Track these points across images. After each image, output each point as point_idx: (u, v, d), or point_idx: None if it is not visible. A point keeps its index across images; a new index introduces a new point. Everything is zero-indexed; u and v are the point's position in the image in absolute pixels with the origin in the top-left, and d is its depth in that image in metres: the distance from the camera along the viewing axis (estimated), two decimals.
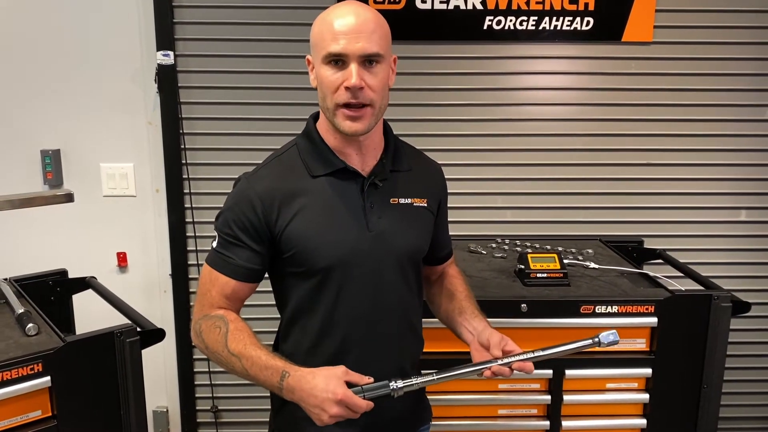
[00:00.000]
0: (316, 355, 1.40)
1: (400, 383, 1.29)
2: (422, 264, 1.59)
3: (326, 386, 1.21)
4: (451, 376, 1.35)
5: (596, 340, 1.39)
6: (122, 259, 2.80)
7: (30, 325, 1.67)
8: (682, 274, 2.32)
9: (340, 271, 1.37)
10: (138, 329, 1.76)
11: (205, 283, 1.41)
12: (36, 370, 1.57)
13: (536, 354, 1.37)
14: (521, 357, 1.36)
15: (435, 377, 1.33)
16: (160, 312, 2.83)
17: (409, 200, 1.46)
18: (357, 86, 1.29)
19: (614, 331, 1.39)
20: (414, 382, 1.31)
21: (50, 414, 1.62)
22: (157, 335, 1.80)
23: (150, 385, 2.88)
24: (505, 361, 1.36)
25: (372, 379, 1.27)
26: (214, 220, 1.43)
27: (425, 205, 1.49)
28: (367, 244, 1.38)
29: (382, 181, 1.42)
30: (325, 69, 1.31)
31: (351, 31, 1.29)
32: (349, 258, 1.37)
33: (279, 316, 1.51)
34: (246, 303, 1.45)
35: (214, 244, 1.41)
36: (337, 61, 1.30)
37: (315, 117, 1.44)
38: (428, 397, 1.94)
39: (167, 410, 2.95)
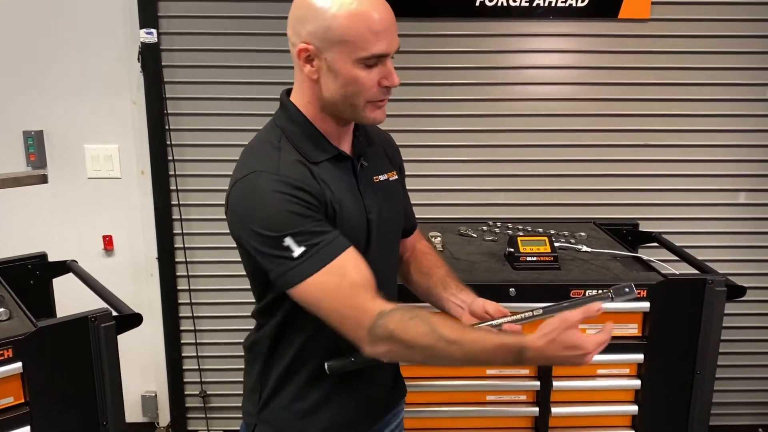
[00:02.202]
0: (313, 346, 1.34)
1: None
2: None
3: (573, 351, 1.17)
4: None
5: (608, 294, 1.29)
6: (108, 242, 2.76)
7: (1, 309, 1.62)
8: (678, 258, 2.27)
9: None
10: (115, 314, 1.72)
11: (336, 288, 1.17)
12: (6, 356, 1.52)
13: (533, 314, 1.30)
14: (513, 318, 1.31)
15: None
16: (148, 296, 2.80)
17: (385, 176, 1.42)
18: (398, 84, 1.25)
19: (630, 283, 1.29)
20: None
21: (23, 401, 1.58)
22: (134, 320, 1.76)
23: (138, 370, 2.90)
24: (494, 322, 1.31)
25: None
26: (256, 238, 1.19)
27: (396, 177, 1.45)
28: (369, 228, 1.34)
29: (365, 160, 1.38)
30: (360, 69, 1.21)
31: (389, 27, 1.21)
32: (358, 243, 1.30)
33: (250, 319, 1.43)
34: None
35: (296, 252, 1.16)
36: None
37: (288, 93, 1.36)
38: (414, 382, 1.92)
39: (156, 395, 2.92)
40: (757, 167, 2.70)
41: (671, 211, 2.73)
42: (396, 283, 1.49)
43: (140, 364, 2.86)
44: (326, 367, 1.31)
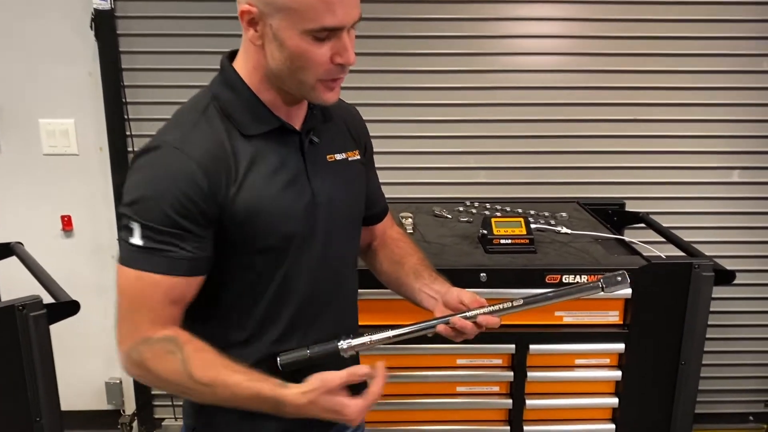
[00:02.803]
0: (251, 347, 1.20)
1: (349, 341, 1.17)
2: None
3: (335, 415, 1.10)
4: (410, 332, 1.20)
5: (599, 284, 1.19)
6: (67, 222, 2.62)
7: None
8: (665, 240, 2.13)
9: (290, 248, 1.17)
10: (53, 302, 1.59)
11: (134, 295, 1.09)
12: None
13: (513, 305, 1.19)
14: (489, 309, 1.19)
15: (390, 333, 1.18)
16: (110, 278, 2.64)
17: (343, 155, 1.27)
18: (354, 63, 1.10)
19: (623, 271, 1.18)
20: (366, 341, 1.17)
21: None
22: (70, 308, 1.62)
23: (102, 356, 2.78)
24: (469, 314, 1.19)
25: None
26: (121, 206, 1.10)
27: (357, 157, 1.30)
28: (316, 214, 1.19)
29: (317, 136, 1.22)
30: (308, 42, 1.06)
31: None
32: (300, 232, 1.17)
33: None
34: None
35: (135, 239, 1.06)
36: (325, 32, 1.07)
37: (231, 57, 1.20)
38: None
39: (120, 381, 2.80)
40: (753, 143, 2.55)
41: (660, 190, 2.59)
42: (354, 274, 1.34)
43: (104, 350, 2.74)
44: (278, 361, 1.17)
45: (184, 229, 1.08)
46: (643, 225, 2.31)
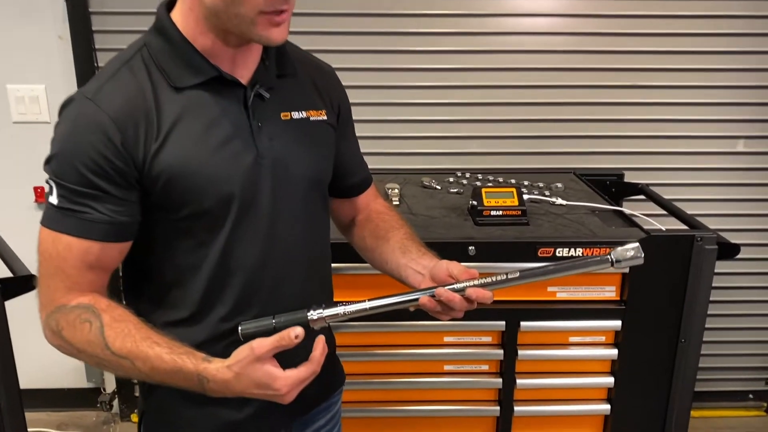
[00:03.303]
0: (198, 325, 1.09)
1: (320, 311, 1.05)
2: (332, 198, 1.30)
3: (264, 390, 0.99)
4: (388, 305, 1.07)
5: (608, 258, 1.06)
6: (40, 194, 2.50)
7: None
8: (666, 213, 2.02)
9: (229, 213, 1.06)
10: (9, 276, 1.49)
11: (50, 258, 1.02)
12: None
13: (507, 278, 1.07)
14: (480, 282, 1.06)
15: (367, 305, 1.06)
16: None
17: (303, 113, 1.14)
18: None
19: (636, 244, 1.06)
20: (339, 311, 1.05)
21: None
22: (26, 283, 1.51)
23: None
24: (457, 286, 1.06)
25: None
26: (43, 164, 1.02)
27: (324, 117, 1.17)
28: (260, 176, 1.07)
29: (268, 90, 1.10)
30: None
31: None
32: (239, 195, 1.05)
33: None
34: None
35: (53, 198, 1.00)
36: None
37: (168, 6, 1.08)
38: (360, 351, 1.70)
39: None
40: (759, 111, 2.44)
41: (661, 160, 2.47)
42: (323, 248, 1.23)
43: None
44: (239, 331, 1.06)
45: (99, 189, 0.99)
46: (642, 197, 2.20)
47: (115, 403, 2.71)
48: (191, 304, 1.08)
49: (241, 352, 0.98)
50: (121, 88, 1.00)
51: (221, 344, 1.08)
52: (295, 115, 1.13)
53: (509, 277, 1.07)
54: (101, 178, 0.98)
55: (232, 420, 1.13)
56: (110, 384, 2.72)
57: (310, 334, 1.03)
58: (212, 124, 1.03)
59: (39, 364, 2.57)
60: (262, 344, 0.98)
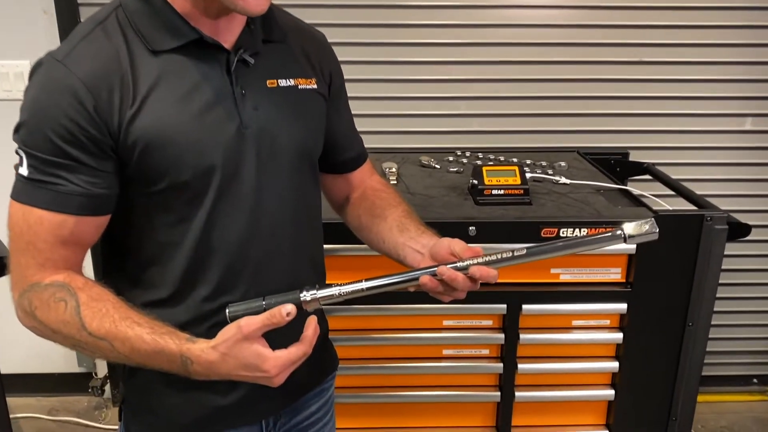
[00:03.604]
0: (180, 305, 1.03)
1: (314, 292, 0.98)
2: (324, 174, 1.24)
3: (252, 372, 0.92)
4: (387, 285, 1.00)
5: (620, 233, 0.99)
6: None
7: None
8: (672, 193, 1.96)
9: (210, 186, 0.99)
10: None
11: (21, 233, 0.95)
12: None
13: (514, 255, 1.00)
14: (485, 259, 0.99)
15: (364, 285, 0.99)
16: None
17: (291, 81, 1.07)
18: None
19: (651, 218, 0.99)
20: (334, 292, 0.98)
21: None
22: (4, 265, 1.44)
23: None
24: (460, 264, 0.99)
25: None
26: (12, 132, 0.96)
27: (314, 86, 1.10)
28: (244, 147, 1.00)
29: (253, 56, 1.03)
30: None
31: None
32: (221, 167, 0.98)
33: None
34: None
35: (23, 169, 0.94)
36: None
37: None
38: (356, 336, 1.65)
39: None
40: None
41: (667, 139, 2.39)
42: (313, 225, 1.16)
43: None
44: (227, 314, 0.99)
45: (72, 159, 0.92)
46: (647, 177, 2.14)
47: (107, 388, 2.66)
48: (172, 283, 1.02)
49: (228, 331, 0.92)
50: (95, 50, 0.93)
51: (204, 325, 1.02)
52: (282, 82, 1.06)
53: (515, 254, 1.00)
54: (74, 147, 0.92)
55: (218, 406, 1.07)
56: (102, 369, 2.67)
57: (302, 318, 0.96)
58: (192, 90, 0.96)
59: (28, 349, 2.52)
60: (251, 322, 0.91)
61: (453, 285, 0.99)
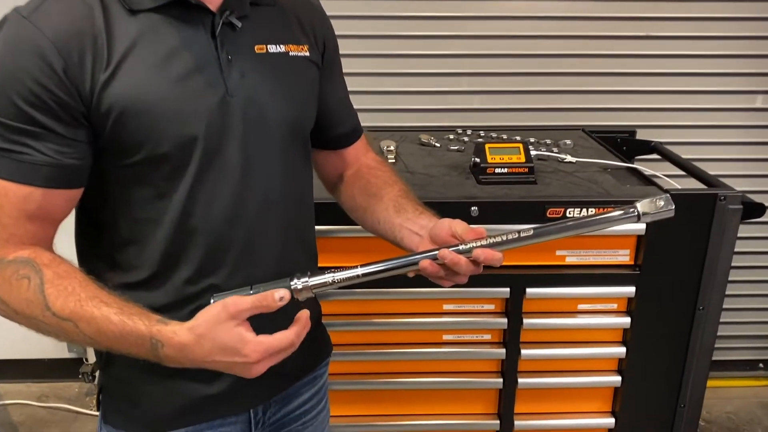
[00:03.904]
0: (159, 288, 0.96)
1: (305, 280, 0.91)
2: (317, 150, 1.16)
3: (230, 357, 0.84)
4: (384, 270, 0.94)
5: (633, 210, 0.93)
6: None
7: None
8: (681, 173, 1.88)
9: (191, 159, 0.91)
10: None
11: None
12: None
13: (520, 236, 0.94)
14: (489, 241, 0.93)
15: (359, 271, 0.92)
16: (67, 222, 2.40)
17: (281, 47, 1.00)
18: None
19: (666, 195, 0.93)
20: (327, 279, 0.91)
21: None
22: None
23: None
24: (463, 247, 0.93)
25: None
26: None
27: (306, 53, 1.03)
28: (229, 117, 0.93)
29: (240, 19, 0.95)
30: None
31: None
32: (203, 138, 0.91)
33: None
34: None
35: None
36: None
37: None
38: (351, 321, 1.60)
39: None
40: None
41: (675, 117, 2.32)
42: (304, 204, 1.09)
43: None
44: (212, 302, 0.92)
45: (39, 126, 0.85)
46: (654, 156, 2.06)
47: (97, 373, 2.59)
48: (151, 263, 0.95)
49: (210, 311, 0.85)
50: (65, 7, 0.86)
51: (186, 309, 0.95)
52: (272, 48, 0.98)
53: (522, 235, 0.94)
54: (41, 112, 0.84)
55: (202, 396, 1.00)
56: (93, 354, 2.61)
57: (290, 311, 0.89)
58: (172, 53, 0.89)
59: (18, 334, 2.43)
60: (239, 302, 0.84)
61: (455, 269, 0.92)
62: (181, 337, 0.84)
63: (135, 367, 0.95)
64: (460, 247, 0.93)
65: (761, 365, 2.66)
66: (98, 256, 0.97)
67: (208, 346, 0.84)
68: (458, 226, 0.97)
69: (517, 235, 0.94)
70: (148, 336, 0.85)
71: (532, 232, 0.94)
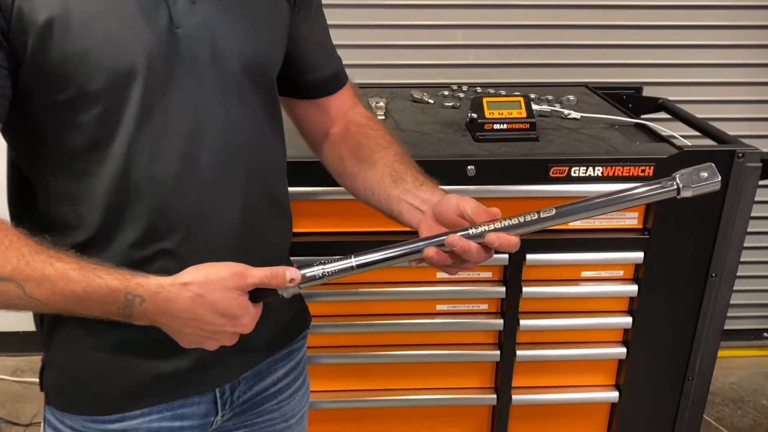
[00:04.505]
0: (102, 252, 0.83)
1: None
2: (295, 101, 1.05)
3: (228, 320, 0.78)
4: (384, 259, 0.83)
5: (673, 184, 0.81)
6: None
7: None
8: (691, 132, 1.76)
9: (129, 99, 0.79)
10: None
11: None
12: None
13: (540, 217, 0.83)
14: (505, 224, 0.82)
15: (353, 262, 0.83)
16: None
17: None
18: None
19: (710, 164, 0.81)
20: (317, 272, 0.83)
21: None
22: None
23: None
24: (473, 230, 0.81)
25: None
26: None
27: None
28: (175, 51, 0.80)
29: None
30: None
31: None
32: (144, 74, 0.78)
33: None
34: None
35: None
36: None
37: None
38: (333, 290, 1.49)
39: None
40: None
41: (684, 73, 2.22)
42: (273, 164, 0.97)
43: None
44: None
45: None
46: (661, 114, 1.94)
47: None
48: (89, 224, 0.83)
49: (217, 272, 0.78)
50: None
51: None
52: None
53: (542, 215, 0.82)
54: None
55: (159, 373, 0.89)
56: None
57: (268, 314, 0.83)
58: None
59: None
60: (254, 273, 0.78)
61: (465, 257, 0.81)
62: (169, 292, 0.76)
63: (83, 341, 0.85)
64: (470, 231, 0.82)
65: (766, 334, 2.59)
66: (33, 217, 0.85)
67: (204, 307, 0.77)
68: (468, 204, 0.85)
69: (536, 216, 0.83)
70: (123, 291, 0.75)
71: (554, 212, 0.83)
